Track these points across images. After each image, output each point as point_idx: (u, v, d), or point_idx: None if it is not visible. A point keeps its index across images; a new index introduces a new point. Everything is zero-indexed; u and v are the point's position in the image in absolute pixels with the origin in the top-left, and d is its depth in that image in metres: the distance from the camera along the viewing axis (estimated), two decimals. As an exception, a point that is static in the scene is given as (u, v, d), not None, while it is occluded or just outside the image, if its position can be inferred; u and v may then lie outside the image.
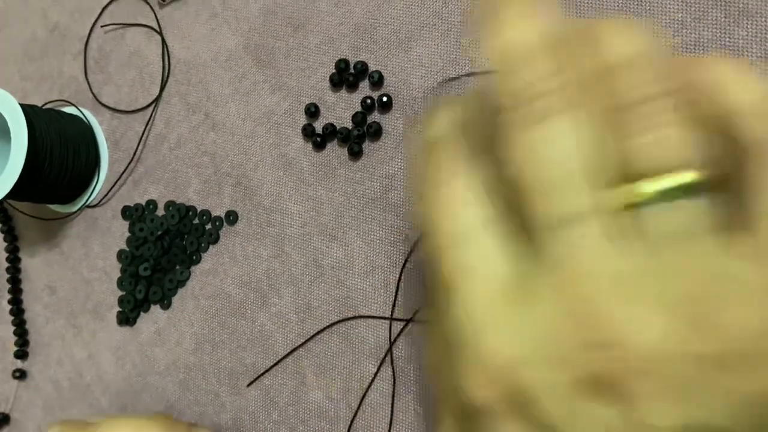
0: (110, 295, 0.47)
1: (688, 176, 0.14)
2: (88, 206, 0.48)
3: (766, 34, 0.30)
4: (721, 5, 0.31)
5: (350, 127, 0.39)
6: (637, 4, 0.32)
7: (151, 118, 0.46)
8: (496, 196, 0.16)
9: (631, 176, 0.15)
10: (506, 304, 0.15)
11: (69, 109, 0.50)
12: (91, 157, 0.47)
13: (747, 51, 0.30)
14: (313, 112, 0.40)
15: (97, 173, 0.48)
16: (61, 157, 0.44)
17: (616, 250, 0.14)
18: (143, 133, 0.46)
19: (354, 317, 0.38)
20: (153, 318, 0.45)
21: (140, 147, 0.46)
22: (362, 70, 0.38)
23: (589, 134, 0.14)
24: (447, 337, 0.15)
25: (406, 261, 0.37)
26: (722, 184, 0.15)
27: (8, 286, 0.51)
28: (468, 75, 0.36)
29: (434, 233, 0.16)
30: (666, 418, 0.13)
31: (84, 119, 0.48)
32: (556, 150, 0.14)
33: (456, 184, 0.16)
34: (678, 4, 0.32)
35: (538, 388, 0.14)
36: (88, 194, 0.48)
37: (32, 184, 0.43)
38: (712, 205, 0.15)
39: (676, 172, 0.14)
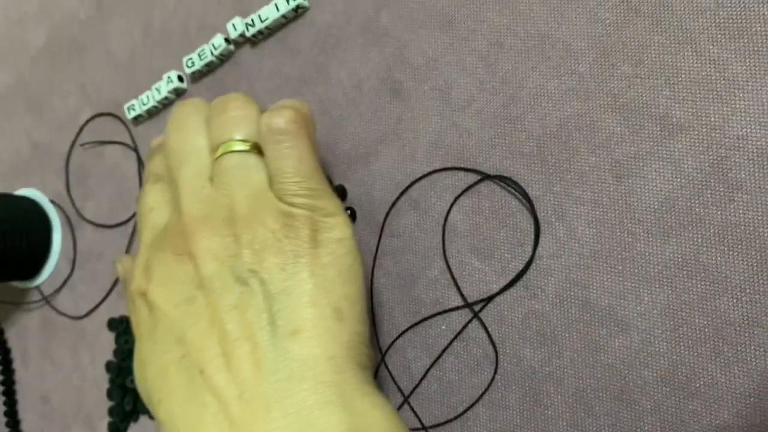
0: (101, 404, 0.48)
1: (242, 144, 0.30)
2: (76, 317, 0.50)
3: (699, 146, 0.31)
4: (656, 119, 0.32)
5: (318, 240, 0.40)
6: (578, 119, 0.34)
7: (133, 232, 0.47)
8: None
9: (221, 144, 0.30)
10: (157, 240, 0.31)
11: (20, 191, 0.54)
12: (42, 230, 0.51)
13: (684, 162, 0.32)
14: (282, 225, 0.41)
15: (50, 247, 0.52)
16: (13, 230, 0.49)
17: (202, 178, 0.30)
18: (128, 247, 0.48)
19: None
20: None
21: (123, 259, 0.48)
22: (326, 184, 0.40)
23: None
24: None
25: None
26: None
27: (3, 398, 0.52)
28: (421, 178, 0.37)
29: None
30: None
31: (30, 198, 0.52)
32: (182, 136, 0.31)
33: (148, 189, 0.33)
34: (616, 119, 0.33)
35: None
36: (46, 269, 0.52)
37: None
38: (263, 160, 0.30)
39: (240, 142, 0.30)
